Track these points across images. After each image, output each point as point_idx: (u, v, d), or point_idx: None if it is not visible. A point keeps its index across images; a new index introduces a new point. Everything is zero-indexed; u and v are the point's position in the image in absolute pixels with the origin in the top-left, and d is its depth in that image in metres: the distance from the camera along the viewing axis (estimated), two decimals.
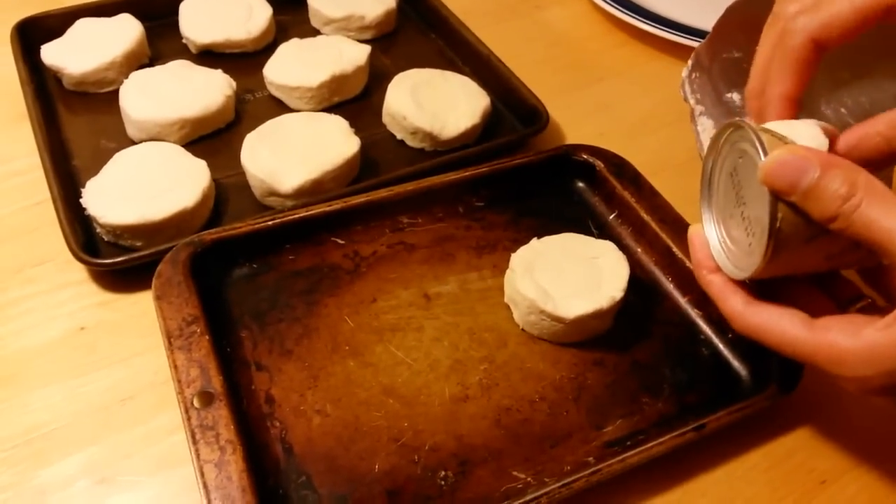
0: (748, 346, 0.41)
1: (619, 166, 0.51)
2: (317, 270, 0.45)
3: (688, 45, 0.63)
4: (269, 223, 0.44)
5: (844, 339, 0.30)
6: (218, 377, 0.37)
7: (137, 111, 0.51)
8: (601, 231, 0.49)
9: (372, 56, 0.60)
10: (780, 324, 0.32)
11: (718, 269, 0.35)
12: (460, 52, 0.62)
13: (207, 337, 0.39)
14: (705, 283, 0.35)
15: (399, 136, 0.55)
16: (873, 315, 0.31)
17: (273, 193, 0.48)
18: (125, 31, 0.57)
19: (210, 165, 0.49)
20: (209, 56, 0.60)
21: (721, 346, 0.42)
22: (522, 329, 0.43)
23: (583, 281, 0.42)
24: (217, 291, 0.43)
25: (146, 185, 0.46)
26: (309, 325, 0.42)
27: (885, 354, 0.29)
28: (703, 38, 0.64)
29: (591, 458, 0.37)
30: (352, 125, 0.52)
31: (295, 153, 0.49)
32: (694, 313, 0.44)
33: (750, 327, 0.33)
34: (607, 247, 0.44)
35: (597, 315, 0.41)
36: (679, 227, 0.47)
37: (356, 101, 0.58)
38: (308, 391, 0.39)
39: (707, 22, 0.65)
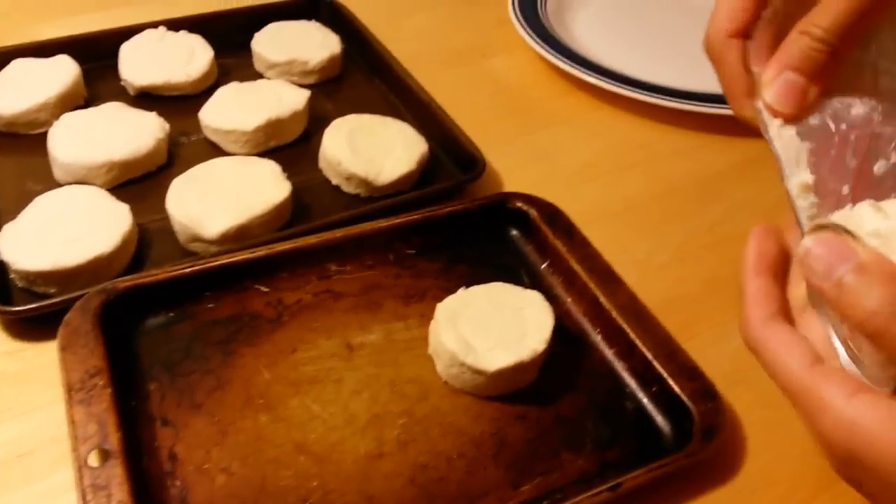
0: (670, 401, 0.41)
1: (553, 215, 0.50)
2: (237, 319, 0.43)
3: (630, 97, 0.64)
4: (187, 270, 0.43)
5: (833, 396, 0.26)
6: (116, 433, 0.35)
7: (64, 153, 0.50)
8: (533, 280, 0.48)
9: (314, 101, 0.60)
10: (784, 348, 0.28)
11: (763, 275, 0.32)
12: (403, 98, 0.62)
13: (110, 390, 0.37)
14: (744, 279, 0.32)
15: (334, 181, 0.54)
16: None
17: (197, 239, 0.47)
18: (60, 72, 0.57)
19: (137, 209, 0.48)
20: (148, 98, 0.59)
21: (645, 400, 0.42)
22: (445, 382, 0.42)
23: (506, 332, 0.41)
24: (129, 341, 0.41)
25: (64, 229, 0.45)
26: (222, 377, 0.40)
27: (856, 437, 0.25)
28: (646, 90, 0.66)
29: None
30: (289, 170, 0.52)
31: (222, 198, 0.48)
32: (620, 366, 0.43)
33: (755, 337, 0.30)
34: (534, 297, 0.44)
35: (518, 368, 0.40)
36: (608, 278, 0.46)
37: (294, 145, 0.57)
38: (215, 448, 0.37)
39: (650, 74, 0.67)
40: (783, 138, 0.31)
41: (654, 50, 0.74)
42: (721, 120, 0.64)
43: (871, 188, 0.31)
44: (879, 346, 0.26)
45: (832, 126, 0.31)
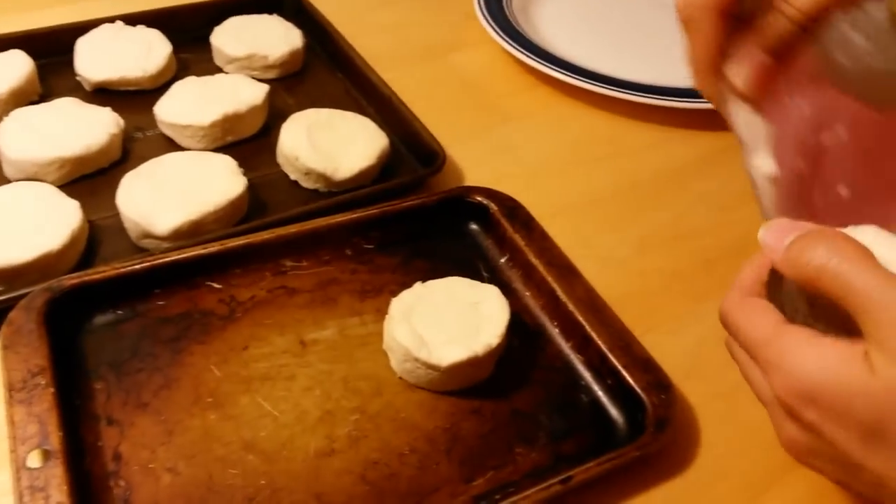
0: (625, 393, 0.40)
1: (512, 209, 0.50)
2: (187, 317, 0.43)
3: (595, 92, 0.63)
4: (136, 267, 0.42)
5: (800, 340, 0.28)
6: (57, 433, 0.35)
7: (13, 150, 0.49)
8: (492, 275, 0.48)
9: (275, 95, 0.59)
10: (759, 310, 0.30)
11: (762, 268, 0.32)
12: (365, 93, 0.62)
13: (52, 390, 0.36)
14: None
15: (293, 176, 0.53)
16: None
17: (148, 235, 0.46)
18: (13, 67, 0.55)
19: (88, 206, 0.47)
20: (104, 94, 0.58)
21: (600, 392, 0.41)
22: (400, 377, 0.41)
23: (461, 327, 0.41)
24: (75, 340, 0.41)
25: (11, 226, 0.44)
26: (170, 376, 0.40)
27: (819, 374, 0.27)
28: (611, 85, 0.66)
29: None
30: (247, 165, 0.51)
31: (175, 193, 0.47)
32: (576, 359, 0.43)
33: (732, 305, 0.31)
34: (491, 292, 0.43)
35: (472, 363, 0.40)
36: (566, 271, 0.46)
37: (253, 140, 0.57)
38: (160, 447, 0.37)
39: (615, 69, 0.67)
40: (744, 116, 0.31)
41: (618, 44, 0.74)
42: (686, 114, 0.64)
43: (822, 163, 0.31)
44: (820, 290, 0.27)
45: (789, 103, 0.31)
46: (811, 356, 0.27)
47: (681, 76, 0.67)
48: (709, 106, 0.62)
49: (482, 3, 0.71)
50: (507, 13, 0.71)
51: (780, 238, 0.29)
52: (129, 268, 0.42)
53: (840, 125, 0.31)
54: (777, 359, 0.29)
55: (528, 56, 0.65)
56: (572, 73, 0.64)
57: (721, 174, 0.60)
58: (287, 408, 0.39)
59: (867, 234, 0.30)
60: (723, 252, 0.53)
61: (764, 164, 0.32)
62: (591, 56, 0.69)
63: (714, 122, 0.65)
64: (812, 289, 0.28)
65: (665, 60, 0.71)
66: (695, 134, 0.64)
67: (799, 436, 0.29)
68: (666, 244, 0.53)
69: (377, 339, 0.43)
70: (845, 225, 0.30)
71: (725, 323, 0.32)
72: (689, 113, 0.64)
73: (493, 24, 0.69)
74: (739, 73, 0.31)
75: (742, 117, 0.32)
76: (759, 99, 0.31)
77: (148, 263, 0.43)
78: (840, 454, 0.28)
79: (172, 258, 0.43)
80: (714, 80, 0.32)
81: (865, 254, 0.27)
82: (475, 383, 0.41)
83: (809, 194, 0.32)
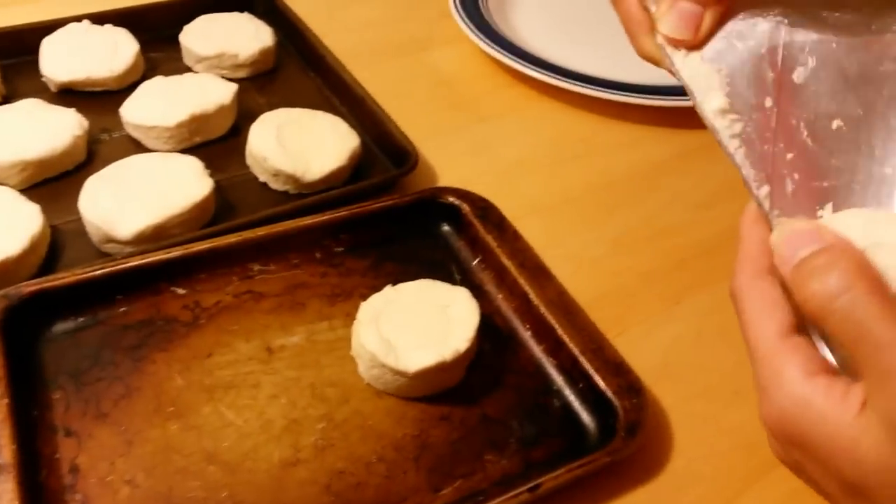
0: (596, 397, 0.40)
1: (485, 209, 0.49)
2: (150, 323, 0.42)
3: (571, 90, 0.63)
4: (97, 273, 0.41)
5: (794, 371, 0.26)
6: (10, 446, 0.33)
7: None
8: (464, 277, 0.47)
9: (246, 95, 0.58)
10: (767, 308, 0.27)
11: (765, 226, 0.29)
12: (337, 92, 0.61)
13: (7, 400, 0.35)
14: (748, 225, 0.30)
15: (262, 178, 0.52)
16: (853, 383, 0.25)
17: (111, 240, 0.45)
18: None
19: (51, 210, 0.46)
20: (70, 95, 0.57)
21: (572, 397, 0.41)
22: (368, 383, 0.40)
23: (430, 331, 0.40)
24: (34, 348, 0.39)
25: None
26: (131, 385, 0.39)
27: (804, 417, 0.25)
28: (587, 83, 0.65)
29: None
30: (215, 166, 0.50)
31: (138, 196, 0.46)
32: (548, 362, 0.42)
33: (740, 287, 0.29)
34: (461, 294, 0.42)
35: (441, 368, 0.39)
36: (539, 273, 0.45)
37: (222, 141, 0.56)
38: (119, 459, 0.36)
39: (591, 67, 0.66)
40: (689, 67, 0.30)
41: (594, 43, 0.73)
42: (660, 112, 0.64)
43: (796, 97, 0.30)
44: (825, 330, 0.25)
45: (739, 45, 0.30)
46: (801, 395, 0.25)
47: (655, 74, 0.66)
48: (684, 104, 0.63)
49: (457, 0, 0.70)
50: (483, 11, 0.71)
51: (793, 249, 0.26)
52: (90, 274, 0.41)
53: (806, 55, 0.30)
54: (767, 382, 0.26)
55: (503, 54, 0.65)
56: (547, 71, 0.63)
57: (696, 172, 0.59)
58: (251, 417, 0.38)
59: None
60: (698, 251, 0.52)
61: (714, 101, 0.30)
62: (567, 55, 0.68)
63: (689, 120, 0.65)
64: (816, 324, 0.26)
65: (640, 59, 0.71)
66: (669, 132, 0.64)
67: (784, 456, 0.28)
68: (640, 243, 0.52)
69: (346, 344, 0.42)
70: (841, 157, 0.29)
71: (734, 304, 0.29)
72: (664, 111, 0.63)
73: (468, 21, 0.68)
74: (668, 23, 0.30)
75: (683, 65, 0.31)
76: (699, 45, 0.30)
77: (109, 269, 0.41)
78: (822, 488, 0.27)
79: (135, 263, 0.42)
80: (650, 39, 0.31)
81: (881, 293, 0.24)
82: (445, 389, 0.41)
83: (786, 131, 0.30)
